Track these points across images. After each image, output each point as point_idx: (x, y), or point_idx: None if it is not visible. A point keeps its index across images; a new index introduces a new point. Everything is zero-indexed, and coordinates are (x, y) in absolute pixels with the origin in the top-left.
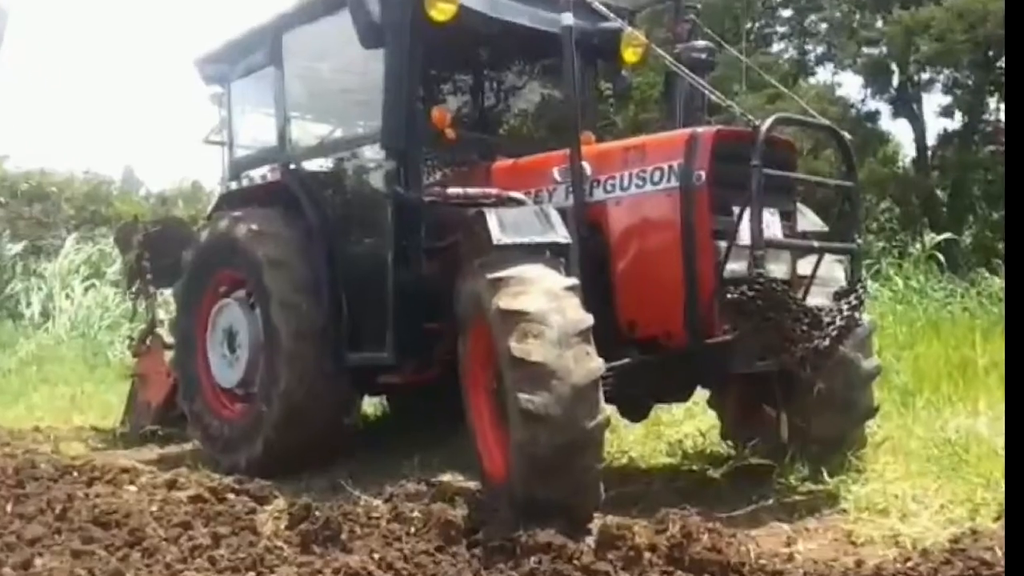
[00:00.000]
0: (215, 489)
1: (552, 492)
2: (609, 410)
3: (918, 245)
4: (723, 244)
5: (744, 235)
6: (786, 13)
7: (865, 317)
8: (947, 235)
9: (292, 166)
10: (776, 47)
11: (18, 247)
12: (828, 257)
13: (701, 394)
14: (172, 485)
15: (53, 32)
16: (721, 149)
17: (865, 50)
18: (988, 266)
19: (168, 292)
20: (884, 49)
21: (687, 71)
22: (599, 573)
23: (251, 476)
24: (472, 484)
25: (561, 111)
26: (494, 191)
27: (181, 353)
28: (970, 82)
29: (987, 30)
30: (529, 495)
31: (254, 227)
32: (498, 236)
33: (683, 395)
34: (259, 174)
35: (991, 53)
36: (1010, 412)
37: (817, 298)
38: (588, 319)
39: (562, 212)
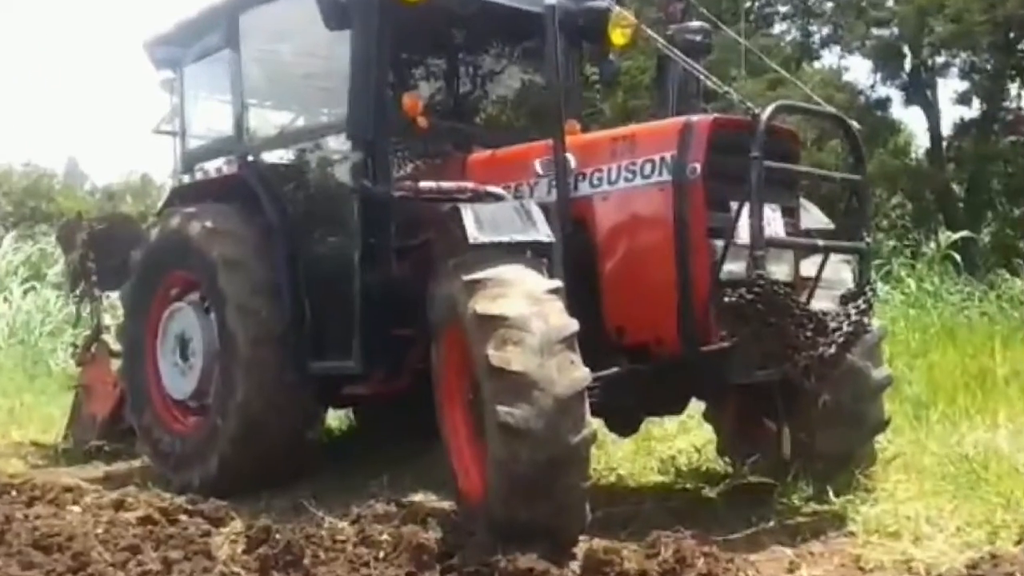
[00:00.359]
0: (166, 510)
1: (534, 513)
2: (596, 424)
3: (932, 244)
4: (720, 243)
5: (743, 233)
6: None
7: (874, 323)
8: (964, 233)
9: (250, 158)
10: (778, 28)
11: None
12: (834, 257)
13: (696, 406)
14: (119, 506)
15: None
16: (718, 139)
17: (875, 31)
18: (1008, 267)
19: (115, 295)
20: (895, 30)
21: (681, 54)
22: None
23: (205, 496)
24: (446, 504)
25: (543, 98)
26: (470, 185)
27: (129, 362)
28: (989, 66)
29: (1007, 10)
30: (509, 516)
31: (208, 224)
32: (474, 234)
33: (676, 407)
34: (214, 167)
35: (1012, 35)
36: None
37: (822, 302)
38: (573, 325)
39: (544, 208)
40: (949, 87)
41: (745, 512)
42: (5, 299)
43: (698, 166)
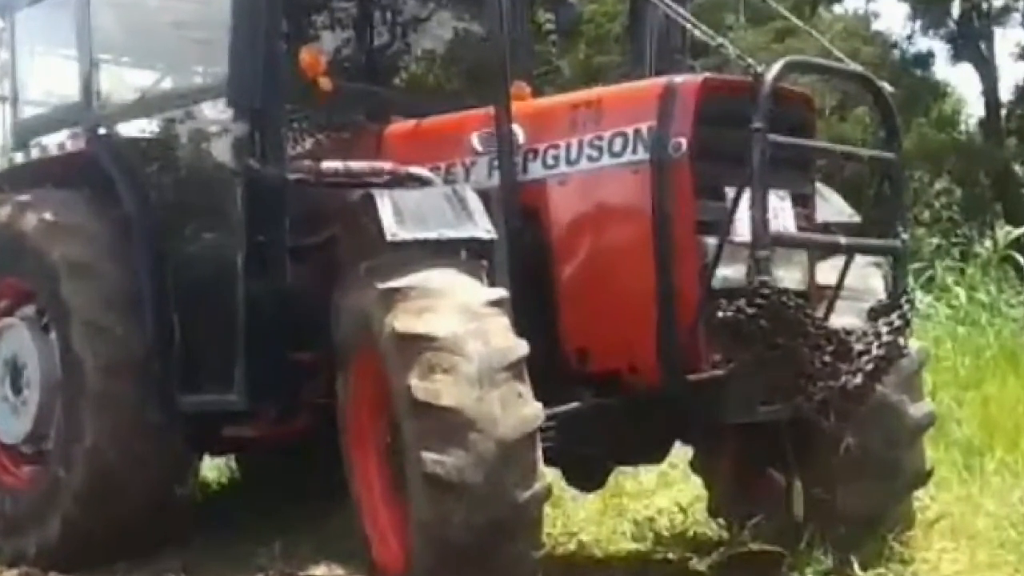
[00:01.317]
0: None
1: None
2: (550, 475)
3: (988, 242)
4: (712, 241)
5: (742, 228)
6: None
7: (912, 344)
8: None
9: (102, 130)
10: None
11: None
12: (860, 260)
13: (681, 453)
14: None
15: None
16: (709, 107)
17: None
18: None
19: None
20: None
21: None
22: None
23: (44, 568)
24: None
25: (483, 53)
26: (387, 166)
27: None
28: None
29: None
30: None
31: (48, 217)
32: (393, 229)
33: (655, 454)
34: (55, 142)
35: None
36: None
37: (845, 317)
38: (520, 347)
39: (484, 195)
40: (1009, 39)
41: None
42: None
43: (684, 141)
